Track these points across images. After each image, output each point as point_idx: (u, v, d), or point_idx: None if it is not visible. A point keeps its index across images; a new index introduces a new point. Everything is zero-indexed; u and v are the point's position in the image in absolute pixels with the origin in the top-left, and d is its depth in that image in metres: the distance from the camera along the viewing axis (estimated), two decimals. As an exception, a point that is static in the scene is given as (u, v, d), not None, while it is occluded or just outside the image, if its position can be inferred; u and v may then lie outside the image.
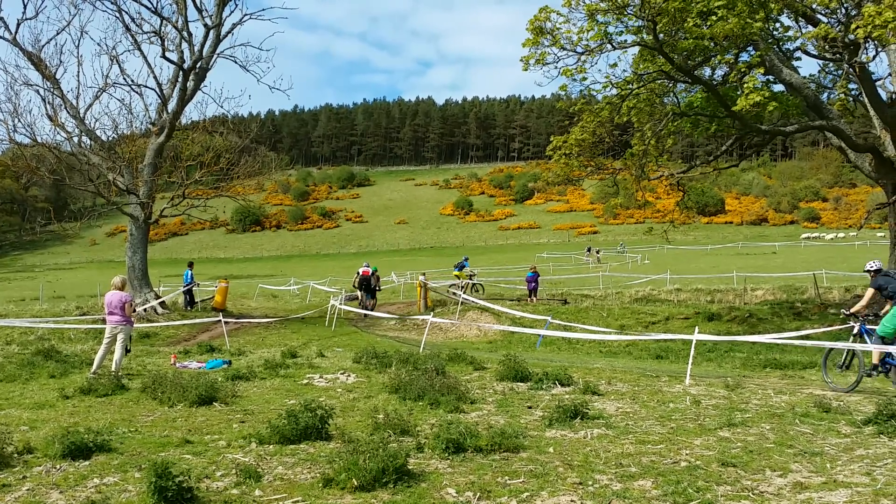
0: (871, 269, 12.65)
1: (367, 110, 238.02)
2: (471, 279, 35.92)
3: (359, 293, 30.15)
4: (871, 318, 12.31)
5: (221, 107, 37.13)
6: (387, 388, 11.21)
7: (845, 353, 12.23)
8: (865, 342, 11.95)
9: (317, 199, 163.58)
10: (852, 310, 12.61)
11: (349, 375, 13.00)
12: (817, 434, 8.20)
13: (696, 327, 15.21)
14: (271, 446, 7.65)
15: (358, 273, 30.25)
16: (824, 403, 9.62)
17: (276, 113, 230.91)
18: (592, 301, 28.19)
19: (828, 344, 13.20)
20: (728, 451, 7.38)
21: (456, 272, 36.96)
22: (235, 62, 29.57)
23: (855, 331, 12.36)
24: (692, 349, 13.39)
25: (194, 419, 9.27)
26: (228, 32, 29.38)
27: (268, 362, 14.36)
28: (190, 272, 30.31)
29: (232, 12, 35.11)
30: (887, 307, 11.90)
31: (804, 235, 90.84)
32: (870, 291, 12.46)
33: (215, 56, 29.19)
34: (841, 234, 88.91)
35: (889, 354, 11.46)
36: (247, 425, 8.83)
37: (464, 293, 32.09)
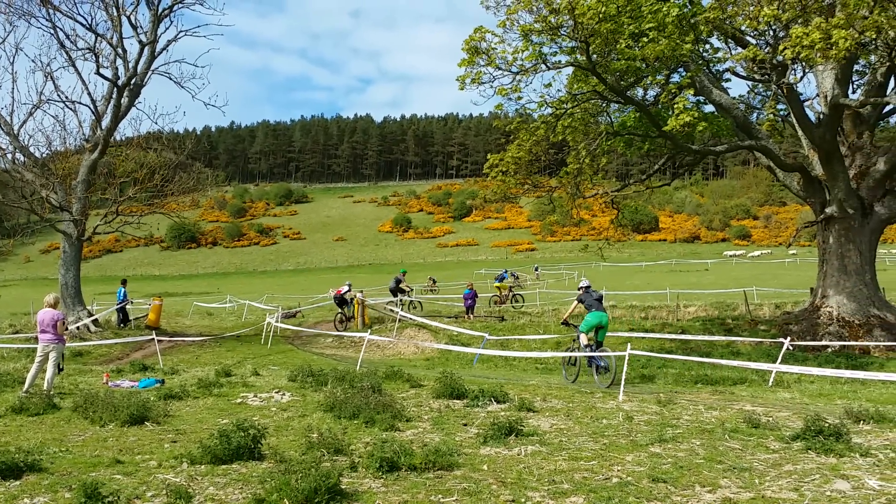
0: (581, 287, 16.21)
1: (305, 127, 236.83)
2: (511, 290, 36.18)
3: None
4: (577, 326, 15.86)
5: (156, 123, 36.67)
6: (322, 406, 11.07)
7: (570, 353, 16.26)
8: (580, 344, 15.76)
9: (254, 216, 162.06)
10: (564, 317, 16.89)
11: (284, 394, 12.81)
12: (746, 449, 8.30)
13: (629, 344, 15.38)
14: (203, 466, 7.48)
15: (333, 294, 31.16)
16: (754, 419, 9.77)
17: (213, 129, 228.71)
18: (529, 318, 28.30)
19: (560, 354, 16.86)
20: (659, 466, 7.43)
21: (497, 284, 37.29)
22: (170, 79, 29.28)
23: (574, 337, 16.31)
24: (625, 365, 13.53)
25: (126, 439, 9.07)
26: (163, 49, 29.11)
27: (201, 381, 14.10)
28: (123, 290, 29.70)
29: (167, 29, 34.53)
30: (587, 316, 15.68)
31: (728, 253, 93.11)
32: (574, 304, 16.63)
33: (150, 72, 28.85)
34: (765, 252, 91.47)
35: (590, 354, 15.31)
36: (178, 445, 8.66)
37: (501, 304, 33.86)
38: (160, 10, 28.74)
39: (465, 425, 9.81)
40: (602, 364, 15.10)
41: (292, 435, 9.26)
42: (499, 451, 8.17)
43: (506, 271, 39.40)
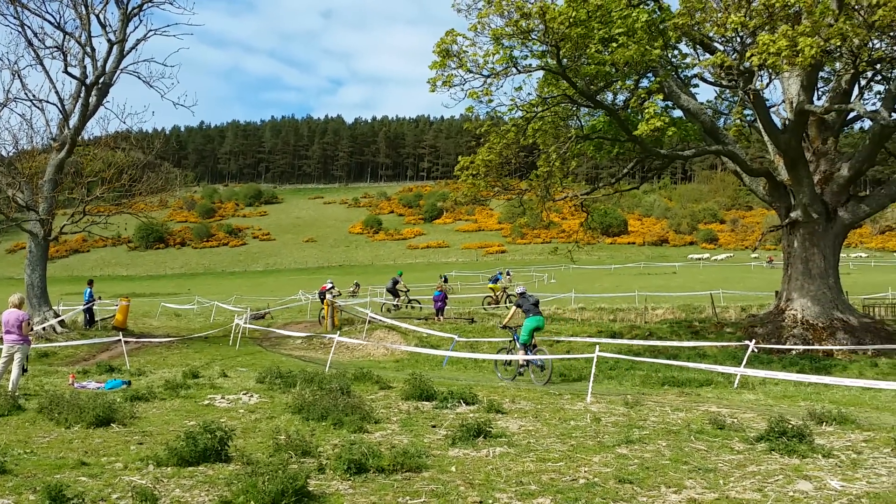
0: (518, 292, 17.41)
1: (276, 127, 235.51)
2: (505, 292, 36.25)
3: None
4: (519, 328, 16.79)
5: (124, 122, 36.36)
6: (290, 408, 11.04)
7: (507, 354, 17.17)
8: (517, 346, 16.76)
9: (223, 217, 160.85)
10: (504, 322, 17.92)
11: (252, 396, 12.75)
12: (711, 450, 8.41)
13: (598, 346, 15.49)
14: (169, 468, 7.44)
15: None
16: (719, 420, 9.89)
17: (182, 129, 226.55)
18: (499, 320, 28.38)
19: (496, 356, 17.63)
20: (625, 467, 7.51)
21: (491, 285, 37.26)
22: (139, 78, 29.02)
23: (511, 338, 17.47)
24: (593, 367, 13.63)
25: (91, 441, 8.99)
26: (132, 48, 28.90)
27: (168, 383, 14.00)
28: (90, 290, 29.38)
29: (136, 28, 34.42)
30: (524, 321, 16.54)
31: (693, 256, 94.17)
32: (514, 309, 17.43)
33: (119, 71, 28.60)
34: (729, 255, 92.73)
35: (530, 352, 16.30)
36: (145, 447, 8.60)
37: (495, 304, 33.95)
38: (129, 9, 28.51)
39: (434, 427, 9.83)
40: (539, 363, 16.18)
41: (260, 437, 9.23)
42: (467, 453, 8.21)
43: (500, 272, 39.52)
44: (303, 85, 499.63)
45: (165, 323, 35.93)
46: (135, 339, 24.42)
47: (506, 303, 34.95)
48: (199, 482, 6.98)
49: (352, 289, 47.75)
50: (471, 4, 19.72)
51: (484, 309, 33.90)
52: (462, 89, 19.49)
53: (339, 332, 23.17)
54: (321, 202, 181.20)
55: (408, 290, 35.44)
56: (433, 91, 19.45)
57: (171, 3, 29.11)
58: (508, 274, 38.45)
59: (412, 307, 33.80)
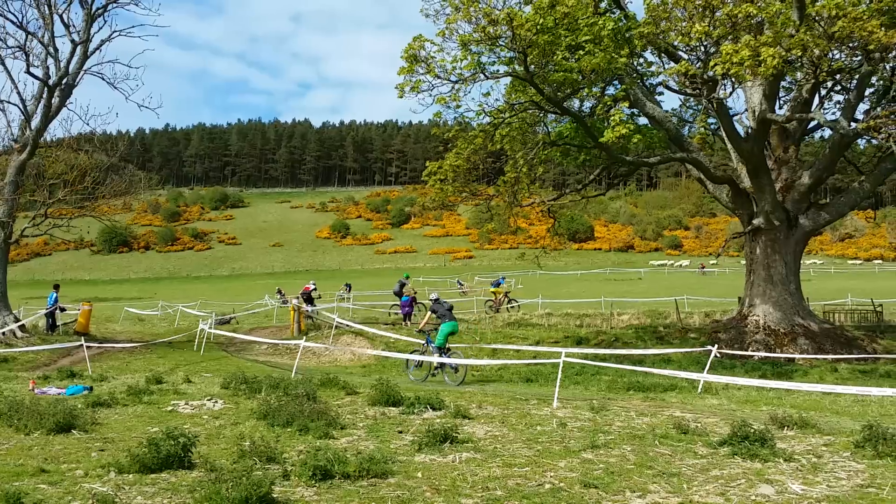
0: (431, 298, 18.57)
1: (242, 131, 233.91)
2: (507, 296, 36.31)
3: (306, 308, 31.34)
4: (434, 332, 17.85)
5: (88, 124, 35.82)
6: (255, 414, 10.96)
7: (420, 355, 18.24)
8: (431, 349, 17.71)
9: (188, 220, 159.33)
10: (420, 326, 19.05)
11: (216, 402, 12.63)
12: (675, 455, 8.50)
13: (564, 351, 15.58)
14: (131, 475, 7.35)
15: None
16: (683, 425, 9.99)
17: (147, 131, 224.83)
18: (466, 325, 28.44)
19: (406, 356, 18.83)
20: (591, 472, 7.56)
21: (493, 289, 37.31)
22: (103, 79, 28.56)
23: (426, 341, 18.41)
24: (559, 372, 13.71)
25: (51, 447, 8.83)
26: (97, 49, 28.42)
27: (131, 388, 13.80)
28: (55, 295, 28.95)
29: (101, 28, 33.85)
30: (440, 325, 17.59)
31: (654, 263, 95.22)
32: (429, 314, 18.33)
33: (82, 72, 28.14)
34: (687, 262, 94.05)
35: (444, 355, 17.11)
36: (106, 454, 8.47)
37: (497, 308, 34.08)
38: (94, 10, 28.09)
39: (401, 432, 9.82)
40: (452, 366, 17.05)
41: (224, 443, 9.15)
42: (433, 459, 8.21)
43: (502, 277, 39.68)
44: (271, 88, 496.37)
45: (129, 328, 35.49)
46: (97, 345, 24.06)
47: (507, 306, 35.19)
48: (161, 489, 6.90)
49: (340, 292, 47.47)
50: (439, 10, 19.81)
51: (486, 312, 34.08)
52: (430, 95, 19.54)
53: (305, 338, 23.06)
54: (288, 206, 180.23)
55: (415, 293, 35.53)
56: (401, 96, 19.47)
57: (137, 4, 28.77)
58: (504, 279, 38.64)
59: (418, 310, 33.85)
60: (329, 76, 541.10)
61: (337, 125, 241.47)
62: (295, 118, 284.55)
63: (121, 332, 32.99)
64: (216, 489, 6.12)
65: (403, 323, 28.98)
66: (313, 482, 7.01)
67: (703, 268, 79.04)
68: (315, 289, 31.95)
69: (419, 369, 18.28)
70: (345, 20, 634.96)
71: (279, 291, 50.70)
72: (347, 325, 27.05)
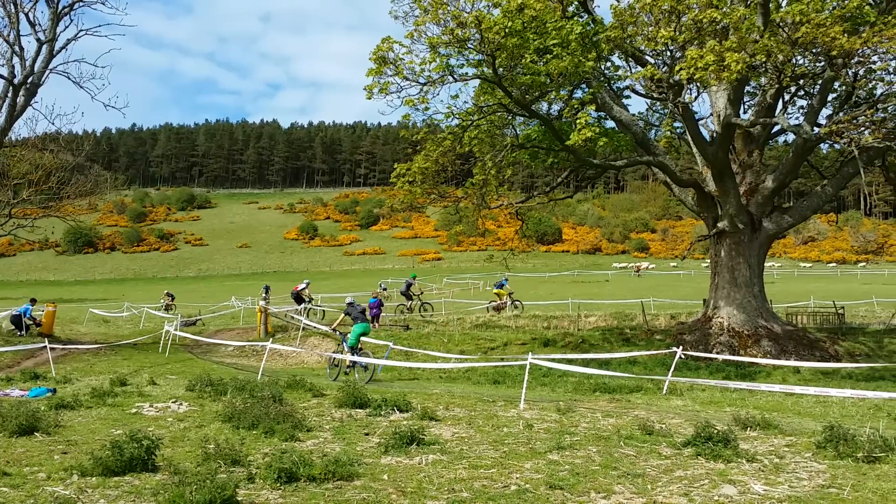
0: (347, 301, 19.46)
1: (210, 131, 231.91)
2: (510, 297, 36.34)
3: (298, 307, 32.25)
4: (348, 334, 18.80)
5: (53, 123, 35.31)
6: (220, 416, 10.88)
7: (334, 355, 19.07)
8: (345, 349, 18.73)
9: (154, 221, 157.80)
10: (333, 326, 20.20)
11: (181, 404, 12.53)
12: (640, 456, 8.56)
13: (531, 353, 15.62)
14: (94, 478, 7.28)
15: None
16: (648, 426, 10.07)
17: (113, 131, 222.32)
18: (434, 327, 28.45)
19: (328, 354, 19.57)
20: (556, 473, 7.60)
21: (496, 290, 37.27)
22: (69, 78, 28.18)
23: (340, 342, 19.44)
24: (526, 374, 13.75)
25: (13, 450, 8.72)
26: (63, 48, 28.06)
27: (95, 390, 13.65)
28: (30, 307, 28.52)
29: (67, 27, 33.48)
30: (354, 326, 18.54)
31: (617, 265, 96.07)
32: (342, 316, 19.43)
33: (48, 71, 27.76)
34: (652, 266, 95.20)
35: (356, 355, 18.16)
36: (69, 456, 8.38)
37: (499, 310, 34.25)
38: (60, 8, 27.74)
39: (367, 435, 9.81)
40: (362, 365, 18.18)
41: (188, 446, 9.08)
42: (400, 461, 8.20)
43: (505, 278, 39.77)
44: (240, 88, 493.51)
45: (94, 329, 35.07)
46: (61, 346, 23.74)
47: (510, 308, 35.29)
48: (124, 492, 6.85)
49: (262, 296, 46.98)
50: (408, 12, 19.82)
51: (487, 311, 34.25)
52: (398, 96, 19.54)
53: (271, 339, 22.93)
54: (256, 207, 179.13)
55: (421, 293, 36.00)
56: (370, 98, 19.46)
57: (103, 3, 28.40)
58: (507, 281, 38.73)
59: (424, 309, 34.09)
60: (298, 77, 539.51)
61: (305, 126, 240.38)
62: (263, 119, 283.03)
63: (85, 333, 32.60)
64: (180, 492, 6.08)
65: (371, 325, 28.89)
66: (278, 485, 6.98)
67: (639, 270, 79.85)
68: (305, 288, 32.43)
69: (335, 368, 19.10)
70: (314, 21, 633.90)
71: (266, 289, 50.26)
72: (315, 327, 26.94)
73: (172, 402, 12.69)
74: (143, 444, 7.72)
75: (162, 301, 47.58)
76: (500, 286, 37.30)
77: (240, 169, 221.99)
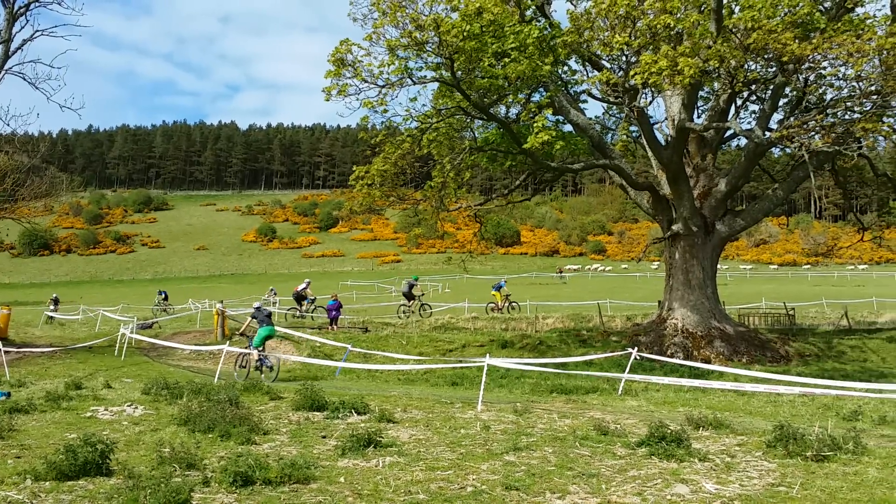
0: (254, 307, 20.41)
1: (167, 132, 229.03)
2: (507, 299, 36.59)
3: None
4: (251, 336, 19.65)
5: (8, 125, 34.61)
6: (176, 420, 10.79)
7: (242, 356, 19.58)
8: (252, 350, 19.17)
9: (111, 223, 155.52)
10: (241, 330, 20.84)
11: (136, 408, 12.40)
12: (595, 456, 8.67)
13: (489, 354, 15.73)
14: (47, 483, 7.21)
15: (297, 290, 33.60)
16: (603, 426, 10.19)
17: (69, 132, 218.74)
18: (393, 329, 28.42)
19: (236, 349, 20.03)
20: (512, 474, 7.66)
21: (494, 292, 37.40)
22: (24, 79, 27.66)
23: (248, 343, 19.80)
24: (484, 375, 13.83)
25: (-35, 455, 8.57)
26: (18, 48, 27.54)
27: (50, 394, 13.43)
28: None
29: (23, 28, 32.83)
30: (258, 328, 19.46)
31: (571, 267, 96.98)
32: (248, 319, 20.46)
33: (3, 72, 27.25)
34: (604, 268, 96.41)
35: (260, 357, 18.84)
36: (22, 461, 8.28)
37: (498, 311, 34.80)
38: (16, 9, 27.23)
39: (324, 437, 9.79)
40: (268, 364, 18.87)
41: (143, 450, 9.00)
42: (357, 463, 8.21)
43: (503, 281, 39.98)
44: (198, 90, 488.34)
45: (48, 332, 34.45)
46: (15, 349, 23.35)
47: (508, 310, 35.65)
48: (78, 497, 6.79)
49: (157, 301, 46.63)
50: (366, 14, 19.83)
51: (487, 313, 34.38)
52: (357, 99, 19.52)
53: (228, 342, 22.73)
54: (213, 209, 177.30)
55: (423, 294, 36.02)
56: (328, 100, 19.43)
57: (60, 4, 27.93)
58: (504, 283, 39.02)
59: (423, 310, 34.16)
60: (258, 78, 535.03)
61: (264, 128, 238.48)
62: (221, 120, 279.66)
63: (40, 336, 32.03)
64: (134, 496, 6.06)
65: (330, 327, 28.79)
66: (234, 488, 6.96)
67: (561, 272, 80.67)
68: (307, 287, 32.94)
69: (242, 369, 19.48)
70: (274, 22, 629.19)
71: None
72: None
73: (128, 406, 12.56)
74: (97, 447, 7.65)
75: (157, 301, 46.87)
76: (498, 288, 37.58)
77: (197, 171, 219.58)
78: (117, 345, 25.59)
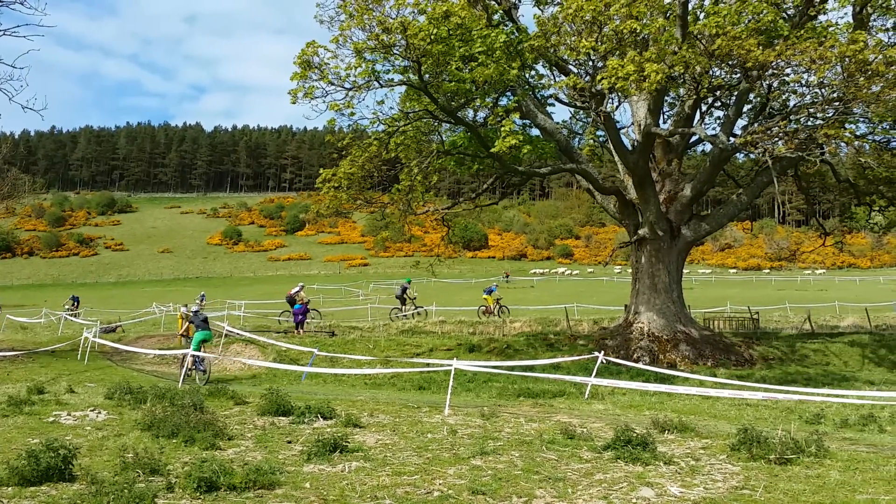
0: (192, 311, 21.96)
1: (131, 134, 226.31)
2: (498, 302, 36.51)
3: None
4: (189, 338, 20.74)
5: (-33, 126, 33.94)
6: (140, 425, 10.64)
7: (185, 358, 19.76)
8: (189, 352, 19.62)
9: (74, 226, 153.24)
10: (181, 332, 22.65)
11: (100, 412, 12.22)
12: (561, 460, 8.68)
13: (456, 358, 15.72)
14: (10, 489, 7.09)
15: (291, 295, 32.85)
16: (569, 430, 10.21)
17: (32, 133, 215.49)
18: (360, 333, 28.30)
19: (189, 352, 19.66)
20: (479, 479, 7.65)
21: (485, 296, 37.33)
22: (-16, 80, 27.16)
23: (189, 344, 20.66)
24: (451, 379, 13.80)
25: (-75, 461, 8.36)
26: (-22, 48, 27.11)
27: (11, 399, 13.19)
28: None
29: (-16, 28, 32.24)
30: (194, 332, 20.46)
31: (536, 271, 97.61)
32: (186, 324, 22.24)
33: (-36, 74, 26.73)
34: (571, 272, 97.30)
35: (197, 359, 19.54)
36: (-16, 466, 8.10)
37: (489, 314, 34.76)
38: (-24, 9, 26.76)
39: (290, 442, 9.71)
40: (201, 368, 19.65)
41: (107, 455, 8.87)
42: (322, 468, 8.15)
43: (495, 284, 39.98)
44: (164, 91, 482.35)
45: (10, 336, 33.91)
46: (-26, 354, 22.96)
47: (498, 313, 35.65)
48: (41, 502, 6.70)
49: (66, 306, 46.09)
50: (333, 17, 19.75)
51: (478, 317, 34.22)
52: (324, 101, 19.43)
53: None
54: (178, 212, 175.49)
55: (415, 298, 36.06)
56: (294, 102, 19.30)
57: (22, 3, 27.48)
58: (498, 284, 39.17)
59: (418, 313, 34.25)
60: (224, 80, 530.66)
61: (230, 130, 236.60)
62: (187, 122, 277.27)
63: (2, 340, 31.54)
64: (97, 502, 5.96)
65: (296, 331, 28.60)
66: (198, 494, 6.88)
67: (507, 276, 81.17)
68: (300, 291, 32.56)
69: (181, 368, 20.04)
70: (241, 24, 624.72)
71: (201, 297, 49.28)
72: (238, 334, 26.53)
73: (91, 411, 12.38)
74: (60, 453, 7.54)
75: (66, 306, 46.09)
76: (489, 292, 37.69)
77: (162, 173, 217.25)
78: (80, 349, 25.24)
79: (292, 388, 17.03)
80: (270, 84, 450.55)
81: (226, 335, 26.24)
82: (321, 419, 11.36)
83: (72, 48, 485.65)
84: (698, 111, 24.67)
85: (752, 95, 23.36)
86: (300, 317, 29.12)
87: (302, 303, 29.96)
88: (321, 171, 23.14)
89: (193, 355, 19.69)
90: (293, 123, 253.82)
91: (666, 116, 25.73)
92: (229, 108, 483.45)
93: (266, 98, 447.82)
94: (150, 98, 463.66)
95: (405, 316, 33.95)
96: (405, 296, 34.94)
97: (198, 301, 37.47)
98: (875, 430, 11.94)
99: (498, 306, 36.67)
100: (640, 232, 23.60)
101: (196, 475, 7.08)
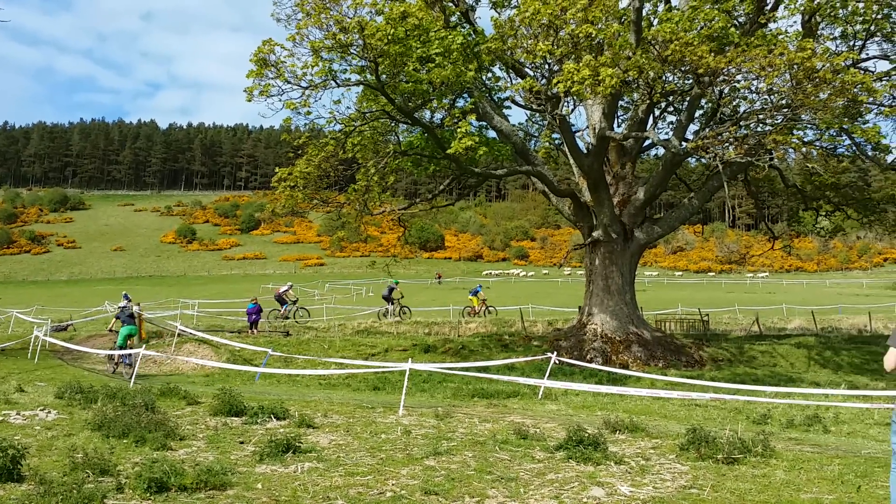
0: (119, 307, 22.65)
1: (85, 130, 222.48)
2: (484, 303, 36.89)
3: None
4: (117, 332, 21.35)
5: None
6: (90, 425, 10.47)
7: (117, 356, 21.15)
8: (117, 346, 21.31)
9: (25, 223, 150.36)
10: (109, 327, 23.04)
11: (49, 412, 12.00)
12: (514, 460, 8.74)
13: (411, 358, 15.73)
14: (-45, 490, 6.92)
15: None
16: (522, 430, 10.28)
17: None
18: (315, 333, 28.18)
19: (112, 352, 21.22)
20: (432, 479, 7.68)
21: (471, 297, 37.56)
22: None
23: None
24: (405, 380, 13.83)
25: None
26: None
27: (-42, 399, 12.94)
28: None
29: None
30: (122, 328, 21.42)
31: (490, 272, 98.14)
32: (114, 319, 22.60)
33: None
34: (525, 273, 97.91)
35: (122, 355, 20.67)
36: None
37: (475, 315, 35.33)
38: (-78, 0, 26.14)
39: (242, 443, 9.64)
40: (127, 362, 20.57)
41: (56, 455, 8.72)
42: (275, 469, 8.11)
43: (480, 286, 40.05)
44: (119, 87, 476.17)
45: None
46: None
47: (484, 313, 36.02)
48: (-13, 504, 6.55)
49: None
50: (290, 15, 19.59)
51: (462, 318, 34.27)
52: (280, 100, 19.29)
53: (144, 346, 22.23)
54: (131, 209, 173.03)
55: (402, 297, 36.17)
56: (250, 100, 19.14)
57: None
58: (481, 288, 39.26)
59: (404, 313, 34.46)
60: (180, 77, 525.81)
61: (185, 127, 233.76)
62: (141, 119, 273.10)
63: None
64: (46, 502, 5.87)
65: (250, 331, 28.39)
66: (148, 495, 6.80)
67: (440, 277, 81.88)
68: (289, 290, 33.87)
69: (111, 363, 21.58)
70: (198, 21, 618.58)
71: (125, 297, 48.41)
72: (191, 333, 26.26)
73: (40, 410, 12.16)
74: (8, 453, 7.39)
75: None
76: (475, 293, 37.82)
77: (115, 170, 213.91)
78: (31, 347, 24.81)
79: (246, 389, 16.91)
80: (227, 82, 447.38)
81: (178, 334, 25.95)
82: (274, 419, 11.29)
83: (26, 43, 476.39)
84: (652, 116, 24.99)
85: (703, 101, 23.71)
86: (254, 317, 28.90)
87: (254, 302, 29.71)
88: (277, 170, 22.97)
89: (121, 353, 20.89)
90: (249, 122, 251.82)
91: (620, 120, 26.03)
92: (185, 106, 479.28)
93: (222, 96, 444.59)
94: (105, 94, 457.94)
95: (393, 314, 34.09)
96: (392, 296, 35.16)
97: (124, 300, 37.10)
98: (820, 430, 12.23)
99: (485, 307, 36.94)
100: (595, 234, 23.84)
101: (146, 476, 7.00)
